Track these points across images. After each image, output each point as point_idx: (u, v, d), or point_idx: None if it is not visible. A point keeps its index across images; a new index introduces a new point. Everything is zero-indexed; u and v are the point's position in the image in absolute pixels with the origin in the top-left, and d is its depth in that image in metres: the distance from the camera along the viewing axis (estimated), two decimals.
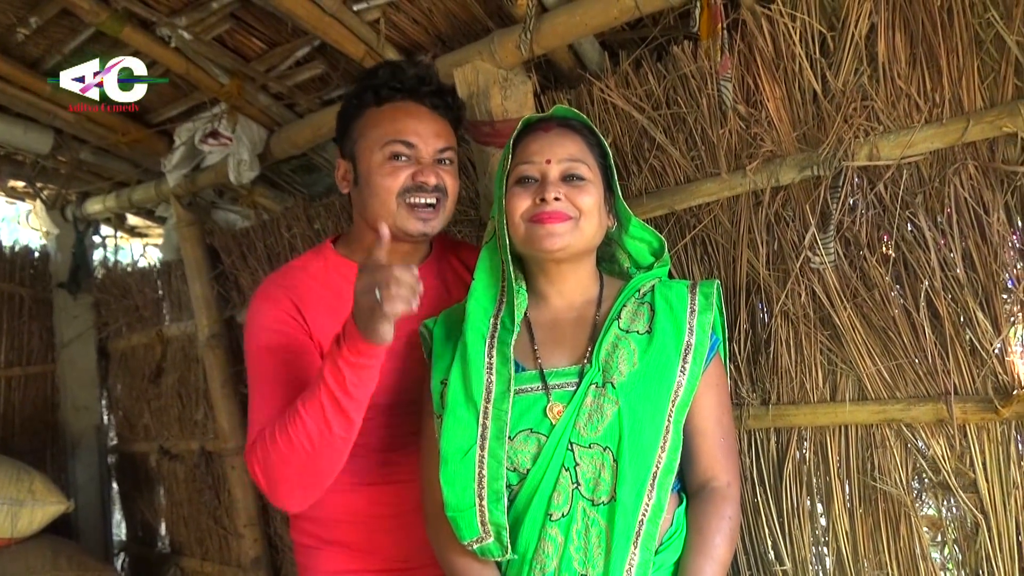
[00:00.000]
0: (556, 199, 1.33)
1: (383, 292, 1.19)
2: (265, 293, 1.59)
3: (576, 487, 1.27)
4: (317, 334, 1.55)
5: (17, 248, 3.90)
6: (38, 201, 3.81)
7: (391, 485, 1.59)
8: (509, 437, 1.30)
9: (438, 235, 1.73)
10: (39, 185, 3.70)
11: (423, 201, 1.53)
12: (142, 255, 4.28)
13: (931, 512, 1.60)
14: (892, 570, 1.60)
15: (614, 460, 1.26)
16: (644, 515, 1.25)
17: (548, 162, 1.36)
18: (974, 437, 1.51)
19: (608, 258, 1.55)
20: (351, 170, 1.61)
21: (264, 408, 1.46)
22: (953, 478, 1.53)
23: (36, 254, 3.96)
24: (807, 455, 1.71)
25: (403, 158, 1.53)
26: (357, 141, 1.58)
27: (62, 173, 3.49)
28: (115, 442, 4.02)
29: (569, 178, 1.37)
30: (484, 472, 1.27)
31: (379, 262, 1.23)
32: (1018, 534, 1.47)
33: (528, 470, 1.29)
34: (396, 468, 1.59)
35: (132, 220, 4.06)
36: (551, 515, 1.26)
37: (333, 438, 1.34)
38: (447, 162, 1.58)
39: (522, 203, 1.36)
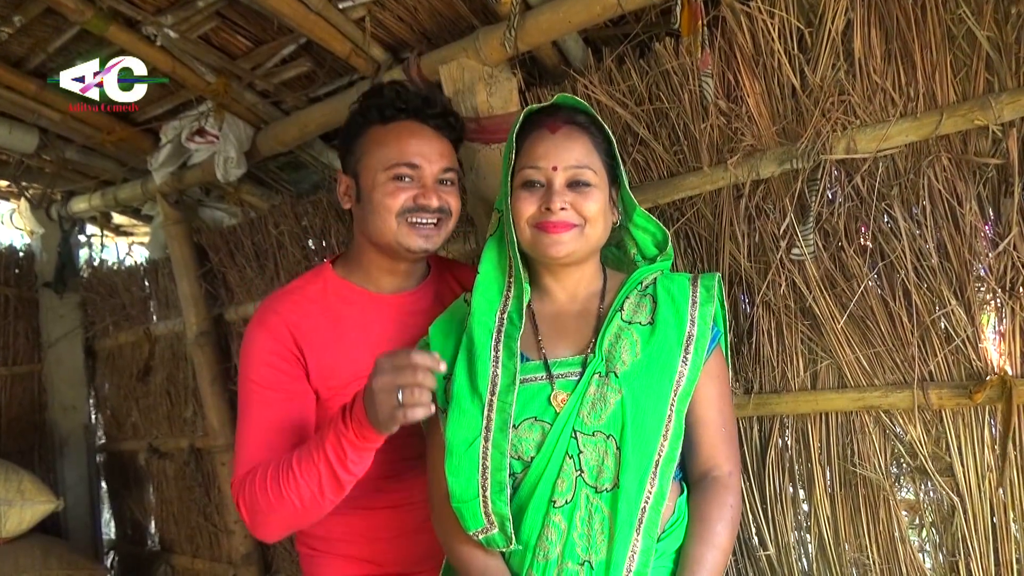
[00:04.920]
0: (562, 208, 1.34)
1: (407, 397, 1.20)
2: (262, 320, 1.58)
3: (580, 474, 1.29)
4: (313, 361, 1.55)
5: (2, 248, 3.88)
6: (23, 200, 3.79)
7: (388, 510, 1.62)
8: (514, 425, 1.32)
9: (433, 256, 1.73)
10: (24, 184, 3.68)
11: (425, 220, 1.54)
12: (128, 254, 4.27)
13: (909, 496, 1.65)
14: (872, 553, 1.65)
15: (617, 448, 1.28)
16: (647, 502, 1.27)
17: (554, 168, 1.36)
18: (949, 422, 1.55)
19: (616, 245, 1.56)
20: (353, 186, 1.61)
21: (251, 446, 1.49)
22: (930, 462, 1.57)
23: (21, 254, 3.94)
24: (789, 442, 1.75)
25: (407, 179, 1.53)
26: (361, 159, 1.58)
27: (47, 172, 3.47)
28: (103, 441, 4.01)
29: (575, 184, 1.37)
30: (488, 463, 1.29)
31: (404, 360, 1.21)
32: (992, 515, 1.51)
33: (532, 458, 1.31)
34: (392, 495, 1.61)
35: (118, 219, 4.04)
36: (555, 502, 1.28)
37: (323, 500, 1.39)
38: (449, 183, 1.59)
39: (528, 208, 1.37)
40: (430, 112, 1.58)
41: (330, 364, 1.55)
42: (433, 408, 1.22)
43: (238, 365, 1.58)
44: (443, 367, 1.21)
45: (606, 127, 1.43)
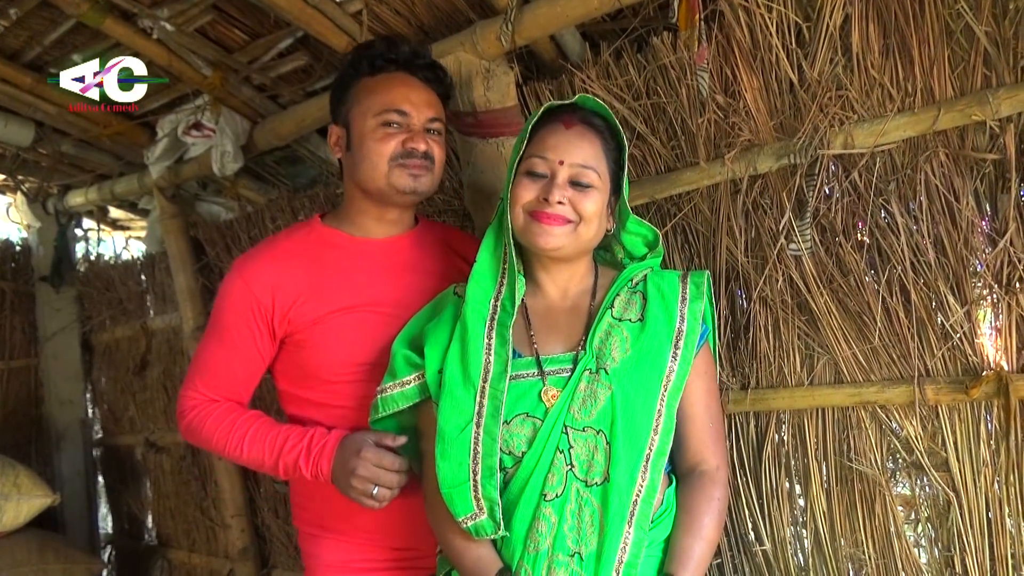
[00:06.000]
0: (560, 202, 1.35)
1: (380, 493, 1.47)
2: (241, 271, 1.65)
3: (570, 468, 1.30)
4: (289, 307, 1.61)
5: None
6: (19, 194, 3.78)
7: None
8: (505, 421, 1.33)
9: (423, 217, 1.80)
10: (20, 178, 3.66)
11: (414, 164, 1.60)
12: (125, 248, 4.26)
13: (905, 491, 1.65)
14: (868, 548, 1.65)
15: (607, 443, 1.30)
16: (638, 495, 1.29)
17: (561, 163, 1.37)
18: (945, 418, 1.55)
19: (604, 247, 1.57)
20: (344, 136, 1.67)
21: (202, 377, 1.67)
22: (926, 458, 1.58)
23: (18, 248, 3.92)
24: (785, 438, 1.75)
25: (395, 125, 1.60)
26: (352, 108, 1.64)
27: (43, 166, 3.45)
28: (100, 435, 4.00)
29: (577, 183, 1.37)
30: (479, 448, 1.31)
31: (389, 463, 1.48)
32: (988, 510, 1.52)
33: (524, 453, 1.32)
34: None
35: (114, 213, 4.03)
36: (545, 495, 1.29)
37: (255, 469, 1.62)
38: (435, 132, 1.65)
39: (526, 194, 1.38)
40: (418, 63, 1.65)
41: (310, 305, 1.61)
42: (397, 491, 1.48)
43: (216, 293, 1.70)
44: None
45: (622, 134, 1.43)
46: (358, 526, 1.64)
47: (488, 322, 1.39)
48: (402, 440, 1.50)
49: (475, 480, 1.30)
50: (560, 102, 1.43)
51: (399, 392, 1.46)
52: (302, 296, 1.61)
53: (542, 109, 1.42)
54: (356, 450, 1.48)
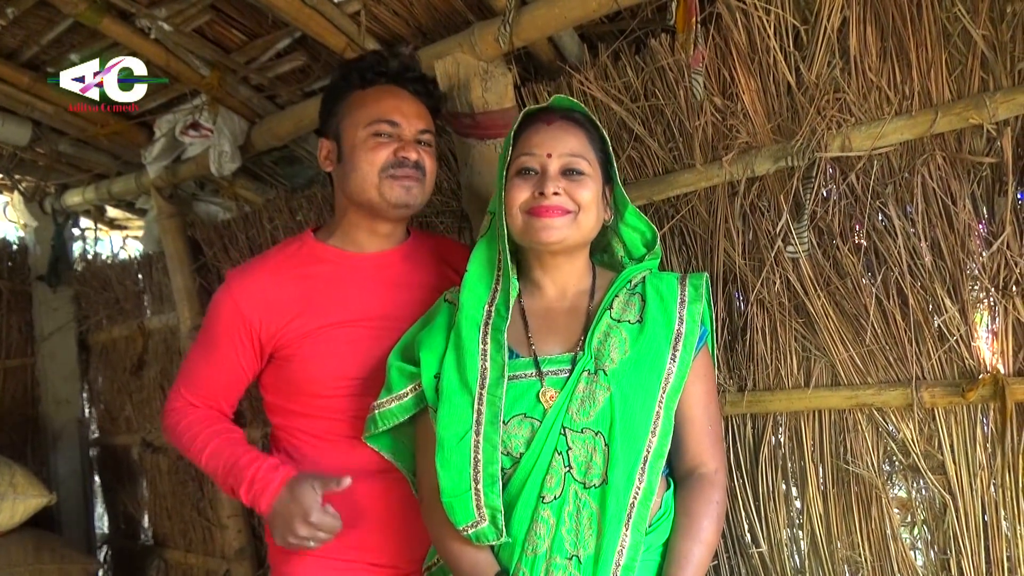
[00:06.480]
0: (555, 193, 1.36)
1: (312, 546, 1.49)
2: (229, 289, 1.65)
3: (568, 470, 1.29)
4: (277, 323, 1.60)
5: None
6: (16, 193, 3.78)
7: (379, 476, 1.58)
8: (503, 422, 1.32)
9: (415, 228, 1.79)
10: (17, 177, 3.66)
11: (405, 174, 1.60)
12: (122, 247, 4.26)
13: (901, 494, 1.65)
14: (864, 550, 1.65)
15: (605, 444, 1.29)
16: (635, 498, 1.28)
17: (549, 155, 1.38)
18: (942, 420, 1.55)
19: (603, 248, 1.58)
20: (335, 149, 1.67)
21: (188, 380, 1.70)
22: (922, 460, 1.58)
23: (14, 247, 3.92)
24: (782, 440, 1.75)
25: (386, 136, 1.60)
26: (342, 120, 1.65)
27: (40, 165, 3.45)
28: (97, 435, 4.00)
29: (569, 172, 1.38)
30: (479, 456, 1.30)
31: (330, 526, 1.48)
32: (984, 513, 1.52)
33: (522, 454, 1.31)
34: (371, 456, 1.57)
35: (112, 212, 4.03)
36: (543, 497, 1.29)
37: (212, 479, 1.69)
38: (426, 143, 1.65)
39: (521, 194, 1.38)
40: (408, 76, 1.67)
41: (300, 321, 1.61)
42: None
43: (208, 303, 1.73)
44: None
45: (601, 128, 1.45)
46: (334, 543, 1.56)
47: (482, 327, 1.39)
48: (347, 482, 1.48)
49: (476, 489, 1.29)
50: (537, 106, 1.46)
51: (397, 405, 1.45)
52: (292, 314, 1.60)
53: (521, 115, 1.44)
54: (302, 513, 1.46)
